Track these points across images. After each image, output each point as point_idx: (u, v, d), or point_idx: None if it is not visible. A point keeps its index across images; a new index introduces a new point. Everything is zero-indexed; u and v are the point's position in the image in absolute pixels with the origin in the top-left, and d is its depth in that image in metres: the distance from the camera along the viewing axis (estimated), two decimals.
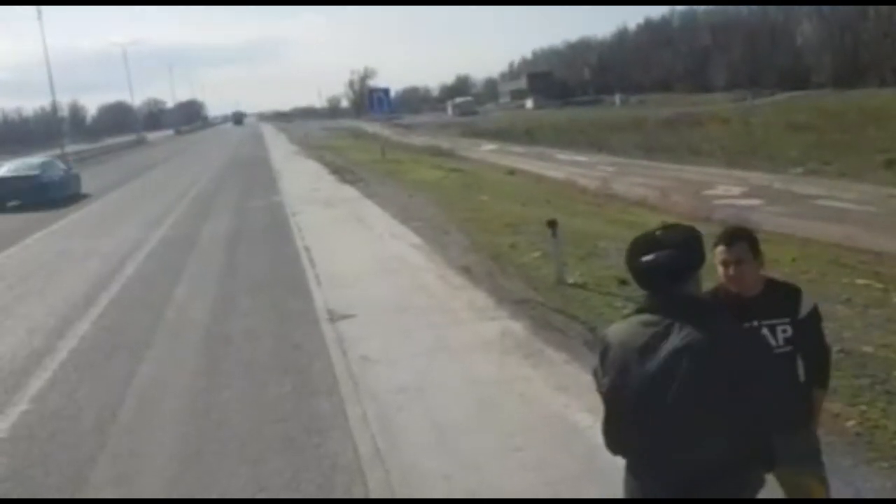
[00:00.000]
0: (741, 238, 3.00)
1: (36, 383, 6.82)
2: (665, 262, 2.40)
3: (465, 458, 4.67)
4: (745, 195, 16.06)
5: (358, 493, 4.43)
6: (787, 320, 2.96)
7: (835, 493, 3.81)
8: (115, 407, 6.09)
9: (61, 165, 26.60)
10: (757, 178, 18.53)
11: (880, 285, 7.73)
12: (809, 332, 3.02)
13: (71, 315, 9.19)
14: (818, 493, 3.02)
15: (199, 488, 4.67)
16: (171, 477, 4.87)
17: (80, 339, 8.17)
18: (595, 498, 3.92)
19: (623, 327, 2.52)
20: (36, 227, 17.62)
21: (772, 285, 3.05)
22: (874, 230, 11.14)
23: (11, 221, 19.68)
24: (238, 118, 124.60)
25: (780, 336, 2.96)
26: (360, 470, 4.67)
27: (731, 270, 2.95)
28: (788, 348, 2.96)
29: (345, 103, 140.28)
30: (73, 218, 19.66)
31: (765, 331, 2.93)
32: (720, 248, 2.97)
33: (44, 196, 22.40)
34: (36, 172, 23.38)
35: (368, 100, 33.31)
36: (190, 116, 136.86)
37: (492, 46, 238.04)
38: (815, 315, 3.06)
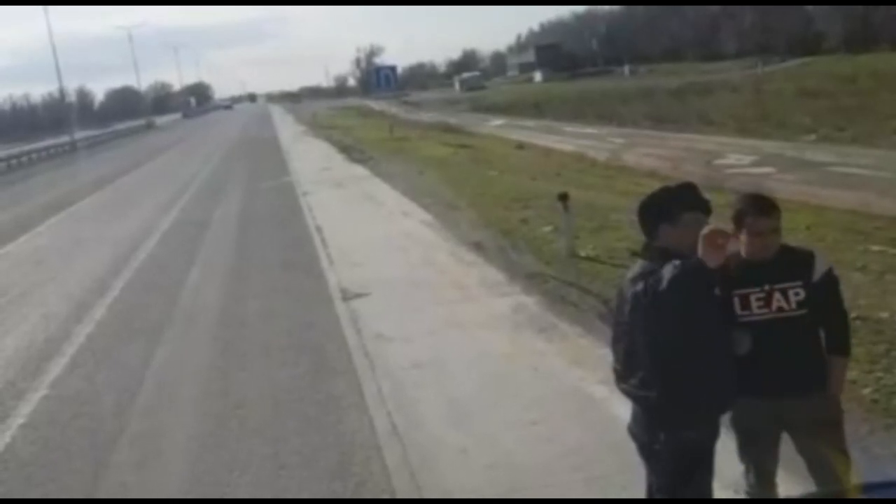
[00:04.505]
0: (776, 208, 2.95)
1: (55, 369, 6.91)
2: (637, 216, 2.91)
3: (482, 433, 4.69)
4: (757, 163, 15.87)
5: (376, 469, 4.47)
6: (799, 283, 2.89)
7: (853, 461, 3.82)
8: (133, 390, 6.16)
9: (227, 102, 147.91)
10: (769, 146, 18.31)
11: None
12: (825, 295, 2.94)
13: (88, 300, 9.27)
14: (838, 464, 2.98)
15: (220, 468, 4.72)
16: (191, 458, 4.93)
17: (97, 323, 8.25)
18: (604, 498, 3.91)
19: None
20: (52, 212, 17.74)
21: (784, 250, 2.98)
22: (889, 196, 10.98)
23: (24, 209, 19.82)
24: (252, 98, 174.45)
25: (793, 299, 2.89)
26: (378, 446, 4.71)
27: (769, 240, 2.90)
28: (801, 311, 2.89)
29: (352, 82, 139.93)
30: (85, 203, 19.78)
31: (777, 295, 2.88)
32: (753, 219, 2.89)
33: (230, 109, 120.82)
34: (228, 104, 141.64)
35: (375, 77, 32.96)
36: (198, 100, 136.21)
37: (498, 19, 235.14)
38: (830, 278, 2.97)
